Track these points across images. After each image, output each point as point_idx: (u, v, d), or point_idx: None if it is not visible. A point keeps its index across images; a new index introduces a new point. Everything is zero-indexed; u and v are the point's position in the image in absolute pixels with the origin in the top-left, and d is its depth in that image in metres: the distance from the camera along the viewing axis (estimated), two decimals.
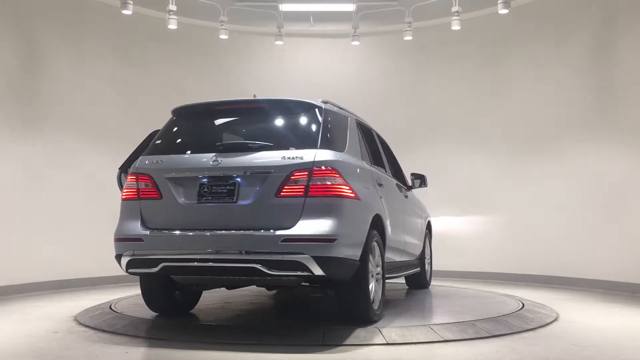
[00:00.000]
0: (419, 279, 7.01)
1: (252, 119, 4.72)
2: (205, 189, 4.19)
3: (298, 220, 3.97)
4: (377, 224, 4.68)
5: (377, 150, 5.67)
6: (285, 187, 4.02)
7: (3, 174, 7.07)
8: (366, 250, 4.33)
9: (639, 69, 7.32)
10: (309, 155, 4.07)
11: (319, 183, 4.00)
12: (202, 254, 4.12)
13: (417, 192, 6.96)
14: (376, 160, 5.55)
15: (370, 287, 4.42)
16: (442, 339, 4.08)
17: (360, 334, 4.12)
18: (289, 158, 4.07)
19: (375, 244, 4.58)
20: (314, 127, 4.35)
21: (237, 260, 4.05)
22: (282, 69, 9.85)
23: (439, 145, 9.41)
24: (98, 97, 8.28)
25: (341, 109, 4.97)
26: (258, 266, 3.95)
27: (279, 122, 4.57)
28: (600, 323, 5.11)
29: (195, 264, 4.16)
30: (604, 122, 7.72)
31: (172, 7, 8.27)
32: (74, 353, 3.79)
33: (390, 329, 4.21)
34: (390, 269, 5.25)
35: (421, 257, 6.87)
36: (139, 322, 4.69)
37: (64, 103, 7.87)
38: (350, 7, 9.48)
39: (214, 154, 4.25)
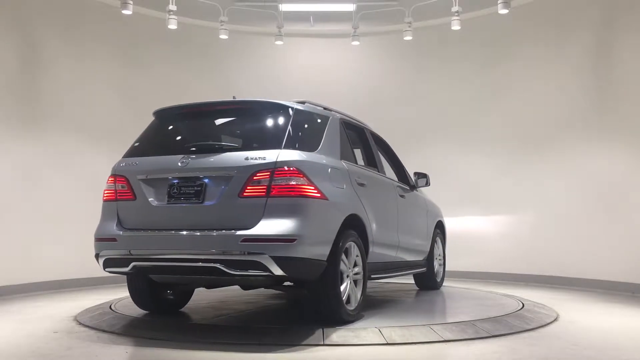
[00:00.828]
0: (427, 280, 6.89)
1: (224, 121, 4.81)
2: (175, 190, 4.29)
3: (259, 221, 4.00)
4: (355, 223, 4.66)
5: (369, 150, 5.65)
6: (248, 188, 4.07)
7: (3, 174, 7.08)
8: (336, 251, 4.31)
9: (639, 68, 7.32)
10: (271, 155, 4.10)
11: (281, 183, 4.04)
12: (169, 254, 4.23)
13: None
14: (368, 160, 5.55)
15: (343, 287, 4.42)
16: (442, 339, 4.08)
17: (360, 333, 4.11)
18: (252, 159, 4.12)
19: (352, 244, 4.57)
20: (280, 128, 4.38)
21: (199, 260, 4.12)
22: (282, 69, 9.86)
23: (439, 145, 9.41)
24: (98, 97, 8.28)
25: (326, 108, 5.00)
26: (219, 266, 4.02)
27: (249, 123, 4.64)
28: (600, 323, 5.11)
29: (163, 263, 4.28)
30: (604, 121, 7.73)
31: (172, 7, 8.27)
32: (74, 353, 3.79)
33: (390, 329, 4.21)
34: (379, 269, 5.24)
35: (429, 258, 6.74)
36: (139, 322, 4.70)
37: (64, 103, 7.87)
38: (350, 7, 9.49)
39: (184, 155, 4.34)
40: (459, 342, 4.09)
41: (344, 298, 4.42)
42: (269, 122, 4.51)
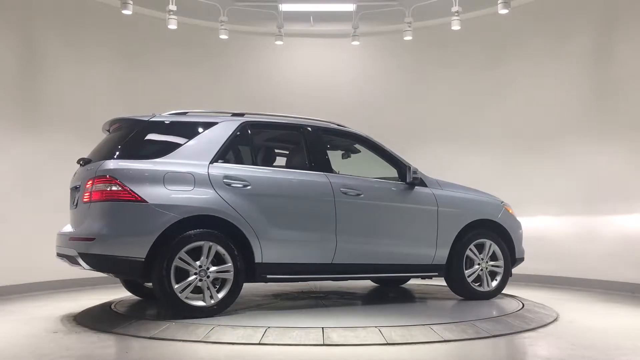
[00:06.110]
0: (457, 286, 6.05)
1: (110, 136, 5.35)
2: (74, 198, 5.18)
3: (83, 223, 4.74)
4: (220, 224, 4.78)
5: (302, 149, 5.54)
6: (85, 194, 4.79)
7: (3, 174, 7.08)
8: (166, 250, 4.57)
9: (639, 68, 7.32)
10: (96, 165, 4.77)
11: (96, 189, 4.65)
12: (58, 250, 5.22)
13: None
14: (309, 160, 5.44)
15: (182, 284, 4.60)
16: (442, 339, 4.09)
17: (360, 333, 4.12)
18: (88, 170, 4.88)
19: (207, 243, 4.71)
20: (119, 140, 4.97)
21: (62, 256, 5.04)
22: (282, 69, 9.85)
23: (439, 144, 9.40)
24: (98, 97, 8.28)
25: (235, 114, 5.38)
26: (65, 260, 4.96)
27: (113, 138, 5.18)
28: (600, 323, 5.11)
29: (59, 258, 5.20)
30: (605, 121, 7.72)
31: (172, 7, 8.27)
32: (74, 353, 3.79)
33: (390, 329, 4.22)
34: (289, 270, 5.17)
35: (451, 263, 5.94)
36: (139, 322, 4.69)
37: (64, 103, 7.87)
38: (350, 7, 9.48)
39: (77, 168, 5.26)
40: (459, 342, 4.09)
41: (184, 295, 4.63)
42: (119, 136, 5.06)
